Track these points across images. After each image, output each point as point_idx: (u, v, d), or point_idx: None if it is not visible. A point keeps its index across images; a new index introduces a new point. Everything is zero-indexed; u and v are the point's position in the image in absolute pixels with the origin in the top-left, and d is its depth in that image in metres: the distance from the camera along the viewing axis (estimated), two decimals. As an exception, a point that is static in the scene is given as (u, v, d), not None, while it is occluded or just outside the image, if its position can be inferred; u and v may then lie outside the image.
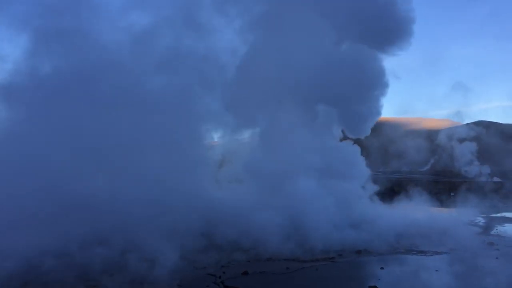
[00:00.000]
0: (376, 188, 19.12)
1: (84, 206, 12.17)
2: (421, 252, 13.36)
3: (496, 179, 35.65)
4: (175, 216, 13.26)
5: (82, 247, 11.31)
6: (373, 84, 18.44)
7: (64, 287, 9.43)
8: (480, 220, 19.92)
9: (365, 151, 22.92)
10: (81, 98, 14.19)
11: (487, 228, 17.79)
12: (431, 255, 12.96)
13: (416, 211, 18.70)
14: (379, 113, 19.35)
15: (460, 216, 18.44)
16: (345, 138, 20.05)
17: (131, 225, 12.26)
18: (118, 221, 12.44)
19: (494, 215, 21.76)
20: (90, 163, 13.33)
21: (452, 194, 20.77)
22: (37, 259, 10.34)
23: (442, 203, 18.67)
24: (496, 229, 17.63)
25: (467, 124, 49.94)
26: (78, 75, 14.51)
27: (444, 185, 22.92)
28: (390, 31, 18.74)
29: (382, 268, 11.45)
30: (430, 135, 49.21)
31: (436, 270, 11.19)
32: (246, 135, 19.91)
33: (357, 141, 20.07)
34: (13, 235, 10.94)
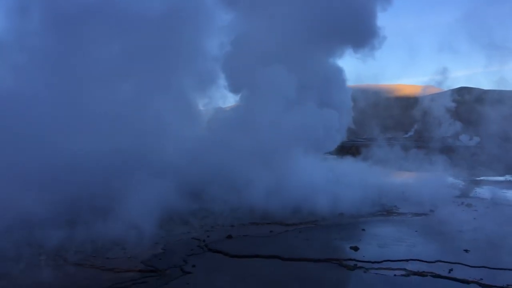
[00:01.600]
0: (358, 154, 19.41)
1: (68, 167, 12.07)
2: (401, 214, 13.65)
3: (476, 144, 36.32)
4: (160, 178, 13.23)
5: (68, 211, 11.29)
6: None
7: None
8: (460, 183, 20.34)
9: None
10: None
11: (466, 191, 18.21)
12: (411, 217, 13.26)
13: (398, 175, 19.05)
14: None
15: (440, 180, 18.79)
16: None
17: (116, 189, 12.19)
18: (103, 185, 12.37)
19: (473, 178, 22.22)
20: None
21: (433, 159, 21.04)
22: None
23: (422, 167, 18.93)
24: (475, 192, 18.07)
25: (450, 90, 50.27)
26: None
27: (426, 150, 23.21)
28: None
29: (363, 229, 11.72)
30: (413, 101, 49.56)
31: (416, 231, 11.49)
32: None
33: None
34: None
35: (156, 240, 10.58)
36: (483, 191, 18.29)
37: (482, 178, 22.20)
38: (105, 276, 8.15)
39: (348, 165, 18.18)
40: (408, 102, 53.43)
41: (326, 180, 15.54)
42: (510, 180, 21.84)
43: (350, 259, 9.02)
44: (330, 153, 21.02)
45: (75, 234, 10.28)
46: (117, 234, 10.46)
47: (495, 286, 7.50)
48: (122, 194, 11.72)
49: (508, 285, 7.51)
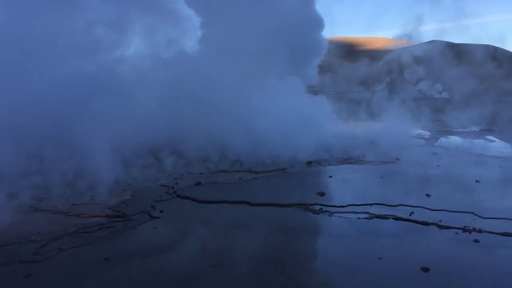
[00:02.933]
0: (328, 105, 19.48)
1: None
2: (368, 162, 13.93)
3: (444, 96, 37.02)
4: (130, 128, 13.01)
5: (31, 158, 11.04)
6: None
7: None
8: (427, 133, 20.82)
9: (321, 70, 23.01)
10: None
11: (432, 140, 18.68)
12: (377, 165, 13.55)
13: (367, 126, 19.30)
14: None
15: (408, 130, 19.17)
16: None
17: (85, 138, 11.94)
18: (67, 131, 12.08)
19: (440, 129, 22.75)
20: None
21: (402, 110, 21.32)
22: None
23: (391, 118, 19.17)
24: (441, 141, 18.55)
25: (421, 43, 50.51)
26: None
27: (395, 102, 23.47)
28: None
29: (330, 176, 11.93)
30: (384, 54, 49.71)
31: (381, 177, 11.78)
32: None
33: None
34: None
35: (124, 187, 10.56)
36: (448, 141, 18.81)
37: (448, 129, 22.72)
38: (72, 222, 8.11)
39: (318, 114, 18.19)
40: (380, 55, 53.48)
41: (297, 128, 15.58)
42: (474, 131, 22.43)
43: (316, 204, 9.21)
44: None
45: (40, 181, 10.13)
46: (85, 182, 10.39)
47: (453, 227, 7.80)
48: (91, 142, 11.54)
49: (465, 226, 7.83)
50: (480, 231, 7.63)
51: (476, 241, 7.21)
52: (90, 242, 7.13)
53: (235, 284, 5.70)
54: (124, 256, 6.58)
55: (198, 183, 11.03)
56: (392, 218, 8.35)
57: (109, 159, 11.02)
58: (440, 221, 8.14)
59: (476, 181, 11.16)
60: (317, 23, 20.60)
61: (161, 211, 8.74)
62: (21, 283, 5.69)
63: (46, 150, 10.95)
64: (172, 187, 10.62)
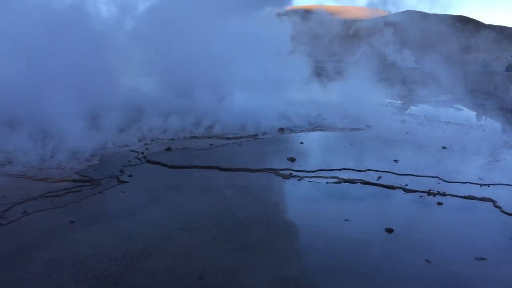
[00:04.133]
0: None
1: None
2: (339, 129, 14.06)
3: (416, 65, 37.39)
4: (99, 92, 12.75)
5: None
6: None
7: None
8: (397, 102, 21.08)
9: (294, 39, 22.77)
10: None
11: (402, 109, 18.94)
12: (348, 132, 13.69)
13: (338, 94, 19.33)
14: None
15: (379, 98, 19.38)
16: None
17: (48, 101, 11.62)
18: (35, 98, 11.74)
19: (410, 97, 23.06)
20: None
21: (375, 78, 21.47)
22: None
23: (363, 87, 19.28)
24: (411, 109, 18.84)
25: (396, 12, 50.52)
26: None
27: (368, 70, 23.58)
28: None
29: (301, 143, 11.99)
30: (360, 24, 49.57)
31: (351, 144, 11.91)
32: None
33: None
34: None
35: (92, 153, 10.37)
36: (418, 109, 19.12)
37: (418, 97, 23.05)
38: (37, 186, 7.95)
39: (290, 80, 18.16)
40: (355, 24, 53.30)
41: (268, 93, 15.57)
42: (443, 100, 22.83)
43: (286, 169, 9.26)
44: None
45: (4, 144, 9.86)
46: (51, 146, 10.18)
47: (418, 191, 7.98)
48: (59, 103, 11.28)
49: (429, 190, 8.02)
50: (444, 194, 7.83)
51: (439, 203, 7.40)
52: (56, 205, 7.01)
53: (201, 245, 5.71)
54: (90, 219, 6.50)
55: (169, 149, 10.93)
56: (360, 183, 8.47)
57: (78, 122, 10.80)
58: (406, 185, 8.31)
59: (443, 147, 11.40)
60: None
61: (130, 176, 8.65)
62: (-17, 246, 5.57)
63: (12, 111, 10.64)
64: (142, 153, 10.50)
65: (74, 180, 8.33)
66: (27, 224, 6.29)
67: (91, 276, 4.88)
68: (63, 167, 9.16)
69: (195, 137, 12.57)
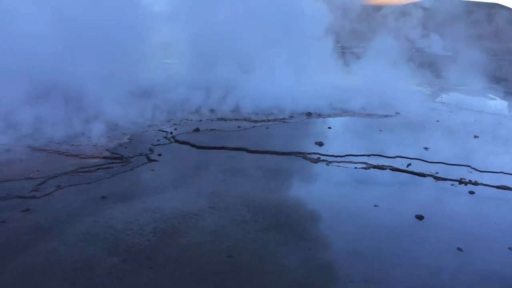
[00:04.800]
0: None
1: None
2: (368, 115, 13.87)
3: (448, 52, 36.46)
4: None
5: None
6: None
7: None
8: (428, 89, 20.64)
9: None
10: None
11: (432, 96, 18.53)
12: (377, 118, 13.49)
13: (367, 80, 19.02)
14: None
15: (408, 85, 19.00)
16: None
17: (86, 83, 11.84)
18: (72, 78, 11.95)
19: (441, 85, 22.53)
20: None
21: (404, 66, 21.01)
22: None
23: (393, 74, 18.89)
24: (441, 97, 18.43)
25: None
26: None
27: (398, 56, 23.10)
28: None
29: (329, 127, 11.89)
30: (388, 8, 48.51)
31: (380, 130, 11.75)
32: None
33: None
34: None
35: (122, 131, 10.54)
36: (449, 97, 18.69)
37: (449, 85, 22.49)
38: (70, 161, 8.12)
39: (318, 66, 17.93)
40: (384, 9, 52.20)
41: (296, 78, 15.44)
42: (476, 89, 22.22)
43: (314, 153, 9.21)
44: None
45: (40, 121, 10.10)
46: (82, 123, 10.39)
47: (449, 179, 7.85)
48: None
49: (461, 178, 7.88)
50: (476, 183, 7.69)
51: (471, 192, 7.27)
52: (88, 181, 7.16)
53: (230, 224, 5.75)
54: (121, 195, 6.62)
55: (197, 130, 10.98)
56: (389, 169, 8.37)
57: (109, 102, 10.96)
58: (437, 173, 8.18)
59: (475, 136, 11.16)
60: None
61: (159, 155, 8.74)
62: (20, 216, 5.73)
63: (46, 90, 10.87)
64: (171, 133, 10.59)
65: (105, 157, 8.48)
66: (61, 198, 6.45)
67: (123, 249, 4.99)
68: (94, 144, 9.33)
69: (222, 119, 12.59)
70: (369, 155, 9.19)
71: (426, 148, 9.85)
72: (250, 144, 9.65)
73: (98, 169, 7.80)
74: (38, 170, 7.52)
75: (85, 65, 11.67)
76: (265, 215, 6.10)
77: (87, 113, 11.06)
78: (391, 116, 13.80)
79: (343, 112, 14.19)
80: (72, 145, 9.18)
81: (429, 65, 25.52)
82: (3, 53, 10.86)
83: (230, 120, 12.44)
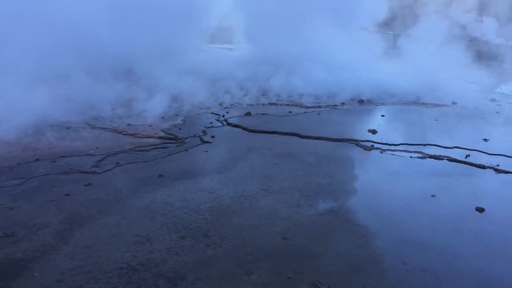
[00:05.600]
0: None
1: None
2: (422, 104, 13.48)
3: (505, 41, 34.64)
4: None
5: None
6: None
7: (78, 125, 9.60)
8: (486, 79, 19.75)
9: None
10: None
11: (491, 87, 17.73)
12: (432, 107, 13.09)
13: (421, 67, 18.43)
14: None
15: (465, 75, 18.24)
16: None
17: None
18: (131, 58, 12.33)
19: (500, 75, 21.52)
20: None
21: (461, 54, 20.17)
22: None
23: (449, 62, 18.17)
24: (500, 88, 17.62)
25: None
26: None
27: (454, 45, 22.21)
28: None
29: (382, 115, 11.65)
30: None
31: (436, 120, 11.39)
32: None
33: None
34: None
35: (175, 112, 10.75)
36: (509, 88, 17.84)
37: (509, 75, 21.46)
38: (127, 140, 8.38)
39: (369, 54, 17.52)
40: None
41: (348, 65, 15.18)
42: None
43: (367, 141, 9.06)
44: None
45: (97, 101, 10.45)
46: (138, 103, 10.68)
47: (511, 172, 7.53)
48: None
49: (524, 172, 7.54)
50: (540, 177, 7.33)
51: (535, 187, 6.95)
52: (145, 159, 7.36)
53: (284, 207, 5.76)
54: (177, 174, 6.76)
55: (248, 113, 11.03)
56: (446, 159, 8.11)
57: (162, 83, 11.21)
58: (498, 165, 7.85)
59: (539, 129, 10.64)
60: None
61: (212, 137, 8.86)
62: (83, 190, 5.97)
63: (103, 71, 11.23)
64: (223, 116, 10.70)
65: (160, 137, 8.68)
66: (120, 174, 6.66)
67: (181, 226, 5.10)
68: (149, 124, 9.56)
69: (273, 103, 12.59)
70: (424, 145, 8.94)
71: (485, 140, 9.47)
72: (302, 130, 9.60)
73: (154, 148, 8.00)
74: (97, 147, 7.80)
75: (143, 45, 11.98)
76: (319, 200, 6.07)
77: (142, 93, 11.33)
78: (447, 105, 13.35)
79: (396, 100, 13.85)
80: (129, 124, 9.45)
81: (487, 54, 24.41)
82: (63, 32, 11.28)
83: (281, 105, 12.42)
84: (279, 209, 5.73)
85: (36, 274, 4.07)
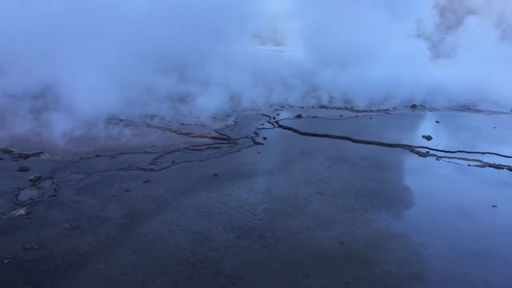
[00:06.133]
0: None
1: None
2: (479, 111, 13.04)
3: None
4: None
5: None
6: None
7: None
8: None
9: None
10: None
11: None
12: (489, 114, 12.63)
13: (476, 72, 17.79)
14: None
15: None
16: None
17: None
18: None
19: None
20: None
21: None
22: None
23: (502, 67, 17.42)
24: None
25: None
26: None
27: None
28: None
29: (437, 121, 11.33)
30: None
31: (494, 127, 10.98)
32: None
33: None
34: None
35: (226, 113, 10.89)
36: None
37: None
38: (181, 139, 8.57)
39: (422, 58, 17.06)
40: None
41: (401, 69, 14.87)
42: None
43: (422, 147, 8.84)
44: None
45: (152, 100, 10.76)
46: (190, 102, 10.91)
47: None
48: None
49: None
50: None
51: None
52: (200, 158, 7.49)
53: (339, 211, 5.72)
54: (231, 174, 6.84)
55: (299, 116, 11.03)
56: (507, 169, 7.80)
57: (214, 83, 11.43)
58: None
59: None
60: None
61: (264, 138, 8.91)
62: (141, 186, 6.16)
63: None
64: (274, 117, 10.74)
65: (213, 137, 8.82)
66: (177, 172, 6.82)
67: (237, 226, 5.16)
68: (202, 124, 9.73)
69: (324, 106, 12.52)
70: (483, 153, 8.62)
71: (549, 150, 9.04)
72: (354, 134, 9.50)
73: (208, 148, 8.14)
74: (153, 146, 8.02)
75: (195, 44, 12.26)
76: (374, 206, 5.98)
77: (194, 93, 11.57)
78: (506, 113, 12.84)
79: (450, 106, 13.44)
80: (182, 123, 9.66)
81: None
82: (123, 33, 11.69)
83: (331, 108, 12.34)
84: (334, 213, 5.69)
85: (101, 266, 4.23)
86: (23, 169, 6.47)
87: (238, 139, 8.80)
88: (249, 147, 8.36)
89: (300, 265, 4.46)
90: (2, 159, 6.92)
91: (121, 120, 9.52)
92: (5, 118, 8.86)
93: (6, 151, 7.16)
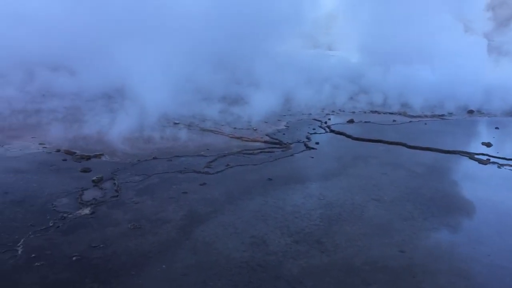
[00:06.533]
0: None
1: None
2: (542, 117, 12.42)
3: None
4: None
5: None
6: None
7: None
8: None
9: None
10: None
11: None
12: (554, 121, 12.01)
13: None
14: None
15: None
16: None
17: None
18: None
19: None
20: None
21: None
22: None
23: None
24: None
25: None
26: None
27: None
28: None
29: (497, 128, 10.88)
30: None
31: (559, 134, 10.44)
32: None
33: None
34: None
35: (278, 118, 10.91)
36: None
37: None
38: (234, 143, 8.67)
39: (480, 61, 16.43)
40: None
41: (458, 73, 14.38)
42: None
43: (482, 154, 8.51)
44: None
45: (205, 103, 10.96)
46: (243, 106, 11.02)
47: None
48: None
49: None
50: None
51: None
52: (253, 162, 7.54)
53: (397, 219, 5.59)
54: (285, 178, 6.83)
55: (351, 121, 10.89)
56: None
57: (264, 87, 11.50)
58: None
59: None
60: None
61: (317, 143, 8.86)
62: (198, 189, 6.26)
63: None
64: (325, 122, 10.66)
65: (265, 142, 8.86)
66: (231, 176, 6.88)
67: (294, 231, 5.14)
68: (254, 128, 9.79)
69: (376, 111, 12.33)
70: (549, 162, 8.20)
71: None
72: (408, 139, 9.28)
73: (261, 152, 8.17)
74: (208, 149, 8.14)
75: (247, 47, 12.42)
76: (434, 214, 5.80)
77: (246, 97, 11.70)
78: None
79: (510, 111, 12.87)
80: (235, 128, 9.76)
81: None
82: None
83: (384, 113, 12.13)
84: (392, 220, 5.56)
85: (164, 266, 4.32)
86: (86, 170, 6.73)
87: (290, 143, 8.79)
88: (301, 151, 8.33)
89: (360, 272, 4.38)
90: (65, 160, 7.23)
91: (175, 123, 9.74)
92: (69, 119, 9.29)
93: (69, 153, 7.47)
